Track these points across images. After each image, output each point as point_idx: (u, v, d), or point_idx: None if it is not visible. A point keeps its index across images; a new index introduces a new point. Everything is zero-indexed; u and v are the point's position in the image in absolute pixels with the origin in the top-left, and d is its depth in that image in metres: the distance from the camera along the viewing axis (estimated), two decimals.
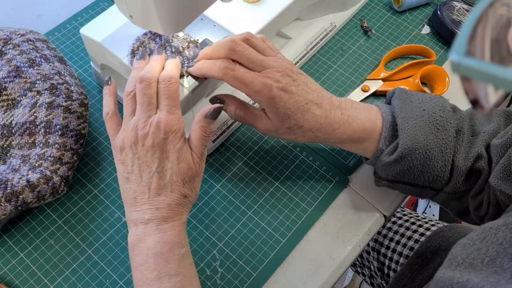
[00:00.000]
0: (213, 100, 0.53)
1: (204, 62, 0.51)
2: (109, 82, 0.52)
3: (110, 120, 0.49)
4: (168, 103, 0.47)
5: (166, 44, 0.54)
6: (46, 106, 0.55)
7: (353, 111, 0.52)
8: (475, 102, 0.23)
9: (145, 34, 0.55)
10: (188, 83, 0.53)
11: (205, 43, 0.57)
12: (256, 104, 0.62)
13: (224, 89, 0.62)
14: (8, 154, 0.55)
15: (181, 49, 0.54)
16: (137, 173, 0.46)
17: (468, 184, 0.52)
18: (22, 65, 0.57)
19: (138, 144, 0.46)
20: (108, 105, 0.50)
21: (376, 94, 0.69)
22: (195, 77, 0.53)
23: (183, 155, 0.46)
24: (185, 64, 0.53)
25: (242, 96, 0.54)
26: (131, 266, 0.46)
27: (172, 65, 0.50)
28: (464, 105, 0.56)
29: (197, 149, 0.48)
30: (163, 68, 0.50)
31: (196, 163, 0.47)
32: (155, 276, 0.43)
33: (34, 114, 0.55)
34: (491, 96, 0.23)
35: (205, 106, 0.50)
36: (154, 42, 0.55)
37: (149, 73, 0.48)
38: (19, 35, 0.59)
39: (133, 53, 0.54)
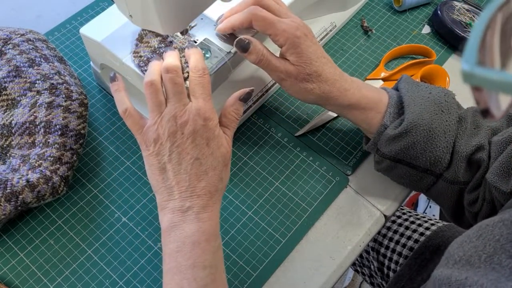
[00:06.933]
0: (239, 42, 0.52)
1: (230, 17, 0.52)
2: (116, 79, 0.50)
3: (130, 116, 0.48)
4: (203, 92, 0.48)
5: (173, 40, 0.54)
6: (46, 106, 0.55)
7: (362, 84, 0.55)
8: (486, 111, 0.23)
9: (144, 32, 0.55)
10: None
11: (205, 43, 0.57)
12: None
13: (228, 85, 0.62)
14: (8, 154, 0.55)
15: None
16: (176, 162, 0.46)
17: (468, 175, 0.53)
18: (22, 65, 0.57)
19: (177, 133, 0.46)
20: (122, 101, 0.49)
21: None
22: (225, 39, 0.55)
23: (221, 141, 0.48)
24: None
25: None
26: (163, 252, 0.46)
27: (198, 55, 0.50)
28: (464, 105, 0.56)
29: (230, 132, 0.50)
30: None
31: (230, 146, 0.49)
32: (190, 265, 0.44)
33: (34, 114, 0.55)
34: (502, 104, 0.23)
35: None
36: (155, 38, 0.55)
37: (174, 63, 0.48)
38: (19, 35, 0.59)
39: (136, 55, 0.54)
